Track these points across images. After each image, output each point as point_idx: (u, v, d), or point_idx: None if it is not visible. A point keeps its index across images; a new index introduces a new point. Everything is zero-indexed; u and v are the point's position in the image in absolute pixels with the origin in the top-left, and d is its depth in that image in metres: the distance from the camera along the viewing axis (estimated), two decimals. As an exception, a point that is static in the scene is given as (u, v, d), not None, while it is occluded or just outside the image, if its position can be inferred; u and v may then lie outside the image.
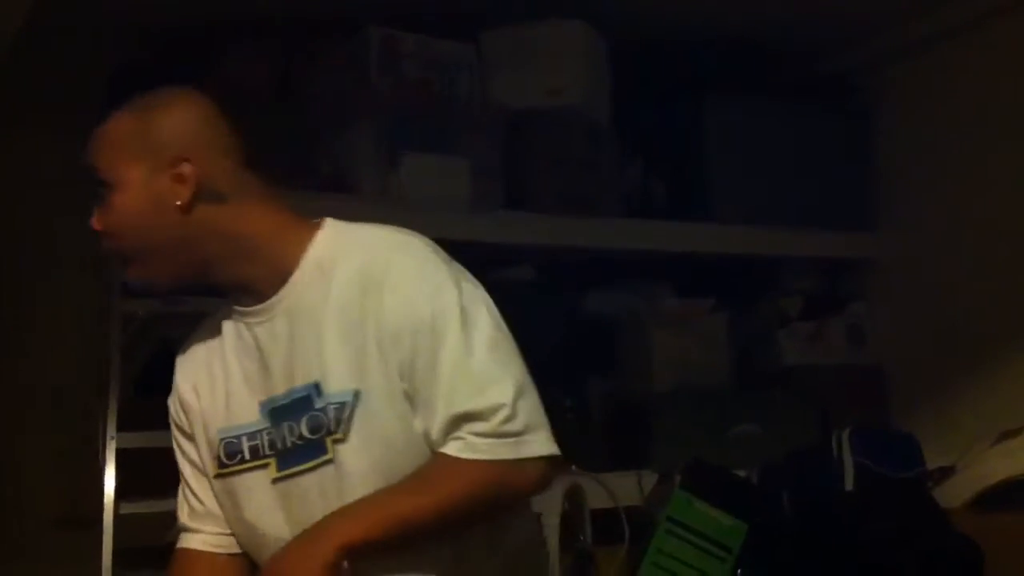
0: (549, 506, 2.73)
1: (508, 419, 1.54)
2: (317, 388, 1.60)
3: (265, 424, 1.66)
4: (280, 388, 1.64)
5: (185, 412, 1.77)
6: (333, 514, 1.56)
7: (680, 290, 3.70)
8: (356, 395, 1.58)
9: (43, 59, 2.95)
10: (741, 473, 3.10)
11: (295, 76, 3.28)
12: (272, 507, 1.65)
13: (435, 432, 1.57)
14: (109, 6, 2.92)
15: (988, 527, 2.85)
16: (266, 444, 1.66)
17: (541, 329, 3.19)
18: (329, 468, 1.59)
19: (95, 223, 1.68)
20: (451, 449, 1.56)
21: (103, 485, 2.64)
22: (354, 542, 1.51)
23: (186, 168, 1.62)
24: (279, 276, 1.66)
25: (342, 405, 1.58)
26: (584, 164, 3.43)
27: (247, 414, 1.68)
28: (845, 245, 3.80)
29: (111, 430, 2.68)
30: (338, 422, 1.58)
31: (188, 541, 1.79)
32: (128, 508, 2.65)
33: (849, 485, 2.91)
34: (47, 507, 2.98)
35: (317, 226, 1.70)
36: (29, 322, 3.10)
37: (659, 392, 3.42)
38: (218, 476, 1.71)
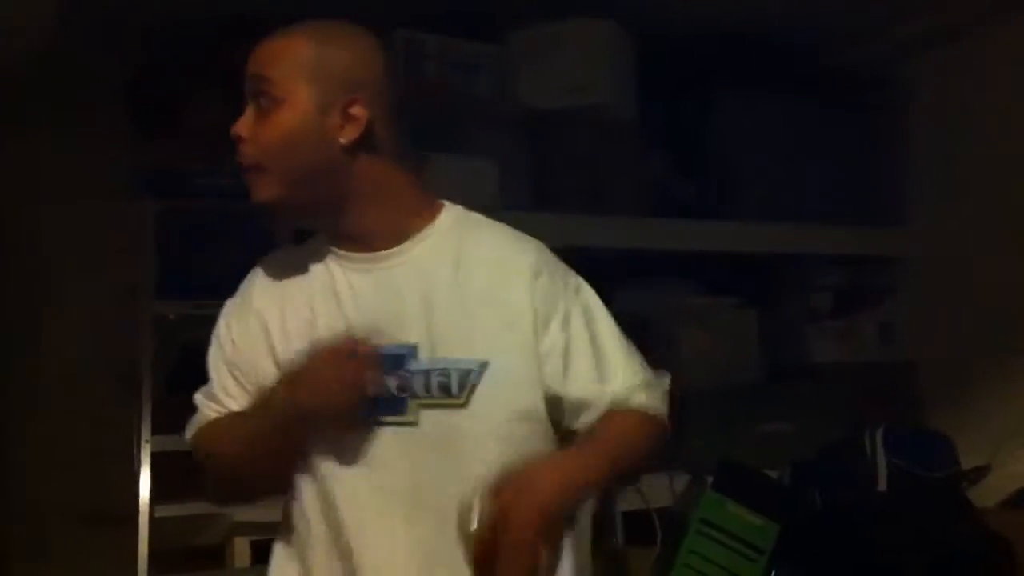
0: (580, 507, 2.73)
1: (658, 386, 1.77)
2: (414, 351, 1.62)
3: None
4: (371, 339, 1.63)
5: (259, 324, 1.73)
6: (576, 452, 1.62)
7: (707, 287, 3.69)
8: (482, 366, 1.62)
9: (65, 61, 2.96)
10: (773, 473, 3.08)
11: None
12: (336, 448, 1.64)
13: (616, 394, 1.69)
14: (133, 7, 2.93)
15: (1022, 526, 2.83)
16: None
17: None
18: (409, 430, 1.62)
19: (243, 130, 1.68)
20: (642, 406, 1.71)
21: (137, 488, 2.65)
22: (597, 482, 1.60)
23: (358, 109, 1.65)
24: (400, 234, 1.70)
25: (455, 373, 1.62)
26: (610, 163, 3.42)
27: None
28: (875, 241, 3.78)
29: (145, 433, 2.69)
30: (443, 388, 1.61)
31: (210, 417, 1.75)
32: (163, 511, 2.66)
33: (882, 485, 2.90)
34: (78, 506, 3.00)
35: (442, 204, 1.78)
36: (60, 321, 3.12)
37: (688, 391, 3.40)
38: None
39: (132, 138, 3.12)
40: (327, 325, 1.68)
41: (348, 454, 1.63)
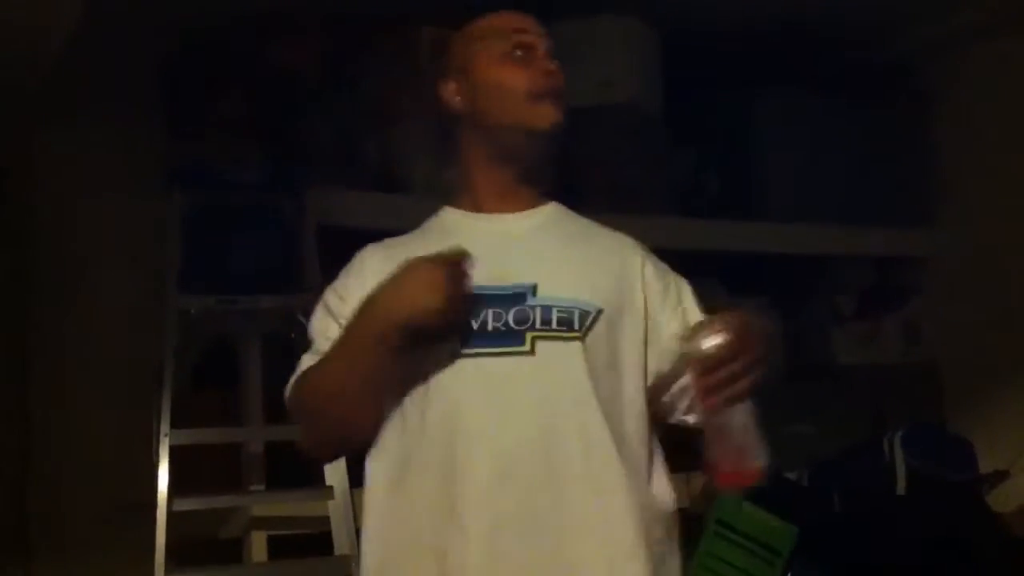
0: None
1: None
2: (533, 288, 1.74)
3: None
4: (484, 279, 1.72)
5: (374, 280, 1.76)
6: None
7: (731, 287, 3.67)
8: (600, 310, 1.75)
9: (96, 53, 2.98)
10: (792, 475, 3.07)
11: (346, 69, 3.29)
12: (450, 373, 1.70)
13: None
14: (164, 4, 2.96)
15: (1043, 532, 2.82)
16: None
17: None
18: (527, 359, 1.70)
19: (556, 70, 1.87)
20: None
21: (156, 481, 2.67)
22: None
23: None
24: (529, 202, 1.88)
25: (575, 310, 1.73)
26: (636, 159, 3.41)
27: None
28: (902, 242, 3.76)
29: (164, 427, 2.71)
30: (563, 323, 1.72)
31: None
32: (181, 505, 2.67)
33: (901, 488, 2.89)
34: (107, 497, 3.02)
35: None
36: (87, 315, 3.14)
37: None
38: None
39: (163, 133, 3.14)
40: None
41: (462, 381, 1.70)
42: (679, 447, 3.11)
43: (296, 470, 2.92)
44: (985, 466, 3.00)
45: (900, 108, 3.77)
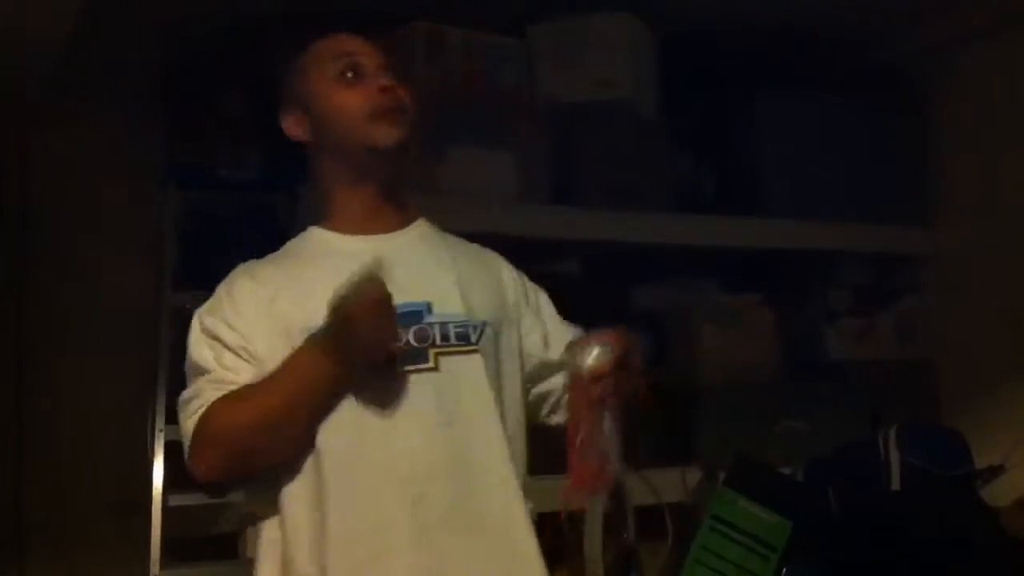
0: (592, 502, 2.73)
1: None
2: (429, 306, 1.84)
3: None
4: None
5: (247, 314, 1.85)
6: None
7: (727, 284, 3.68)
8: (485, 323, 1.87)
9: (98, 54, 2.98)
10: (787, 470, 3.08)
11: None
12: (368, 398, 1.78)
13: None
14: (162, 2, 2.96)
15: (1038, 527, 2.82)
16: None
17: (587, 324, 3.18)
18: (433, 375, 1.81)
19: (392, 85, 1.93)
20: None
21: (152, 477, 2.67)
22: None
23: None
24: (399, 222, 1.97)
25: (468, 325, 1.85)
26: (633, 158, 3.41)
27: None
28: (898, 240, 3.76)
29: (159, 422, 2.71)
30: (461, 337, 1.84)
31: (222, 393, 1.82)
32: (177, 500, 2.68)
33: (896, 483, 2.89)
34: (101, 493, 3.02)
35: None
36: (84, 310, 3.14)
37: (705, 387, 3.40)
38: None
39: (160, 132, 3.14)
40: (337, 282, 1.78)
41: (382, 401, 1.77)
42: (672, 442, 3.14)
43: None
44: (980, 461, 3.00)
45: (897, 108, 3.77)
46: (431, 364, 1.81)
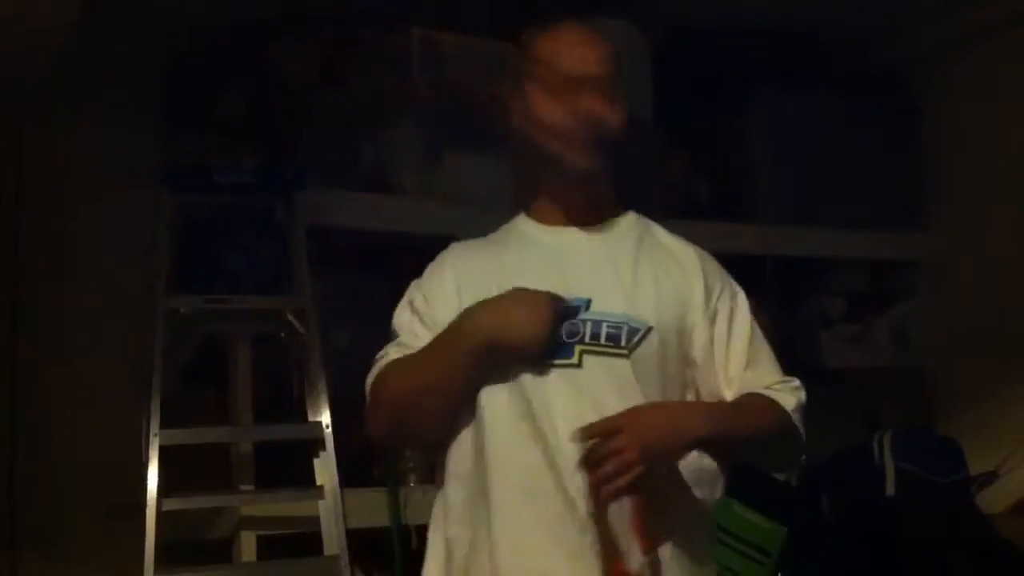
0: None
1: (803, 394, 1.91)
2: (587, 303, 1.81)
3: None
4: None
5: (452, 284, 1.90)
6: (690, 405, 1.82)
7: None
8: (650, 328, 1.81)
9: (94, 56, 2.98)
10: (782, 476, 3.07)
11: (340, 71, 3.29)
12: (507, 383, 1.78)
13: (756, 378, 1.88)
14: (159, 5, 2.96)
15: (1031, 533, 2.82)
16: None
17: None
18: (575, 372, 1.77)
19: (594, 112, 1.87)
20: (773, 394, 1.85)
21: (146, 482, 2.67)
22: (702, 437, 1.73)
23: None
24: (599, 216, 1.94)
25: (624, 327, 1.79)
26: (627, 162, 3.40)
27: None
28: (892, 246, 3.76)
29: (154, 427, 2.70)
30: (611, 338, 1.78)
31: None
32: (171, 504, 2.67)
33: (890, 490, 2.89)
34: (96, 497, 3.02)
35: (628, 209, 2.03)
36: (80, 314, 3.13)
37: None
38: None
39: (156, 133, 3.14)
40: (515, 271, 1.85)
41: (519, 389, 1.77)
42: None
43: (285, 470, 2.93)
44: (974, 468, 3.00)
45: (893, 112, 3.78)
46: (575, 360, 1.78)
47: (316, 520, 2.80)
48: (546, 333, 1.74)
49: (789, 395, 1.87)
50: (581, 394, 1.76)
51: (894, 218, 3.73)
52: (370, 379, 1.90)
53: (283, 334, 2.93)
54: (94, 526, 2.97)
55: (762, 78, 3.55)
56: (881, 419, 3.34)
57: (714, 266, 1.97)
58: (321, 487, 2.79)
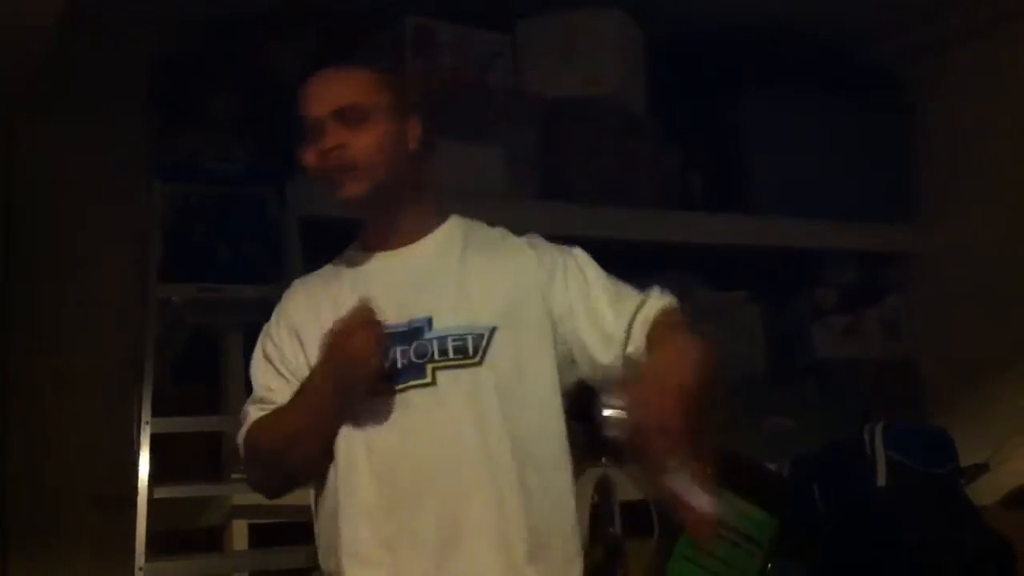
0: (579, 497, 2.73)
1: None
2: (429, 322, 1.84)
3: None
4: (391, 318, 1.82)
5: (295, 333, 1.92)
6: (672, 350, 1.72)
7: (713, 281, 3.69)
8: (494, 328, 1.84)
9: (84, 48, 2.98)
10: (773, 467, 3.08)
11: (331, 61, 3.28)
12: (369, 414, 1.82)
13: (632, 314, 1.87)
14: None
15: (1021, 524, 2.83)
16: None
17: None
18: (430, 390, 1.81)
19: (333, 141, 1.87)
20: (661, 305, 1.89)
21: (137, 470, 2.67)
22: (708, 364, 1.66)
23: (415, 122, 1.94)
24: (425, 229, 1.95)
25: (468, 336, 1.82)
26: (621, 154, 3.42)
27: None
28: (884, 238, 3.77)
29: (145, 415, 2.70)
30: (459, 351, 1.81)
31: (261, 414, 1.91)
32: (162, 492, 2.67)
33: (881, 480, 2.89)
34: (86, 487, 3.02)
35: (451, 214, 2.02)
36: (72, 305, 3.13)
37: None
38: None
39: (147, 125, 3.14)
40: (350, 304, 1.84)
41: (379, 417, 1.81)
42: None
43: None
44: (965, 459, 3.01)
45: (884, 106, 3.78)
46: (428, 379, 1.82)
47: (308, 509, 2.79)
48: (381, 355, 1.77)
49: (663, 301, 1.90)
50: (437, 410, 1.80)
51: (885, 211, 3.73)
52: (240, 439, 1.94)
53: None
54: (85, 516, 2.97)
55: (755, 72, 3.55)
56: (872, 410, 3.34)
57: (544, 244, 1.99)
58: (313, 476, 2.79)
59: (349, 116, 1.88)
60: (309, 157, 1.90)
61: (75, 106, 3.12)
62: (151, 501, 2.64)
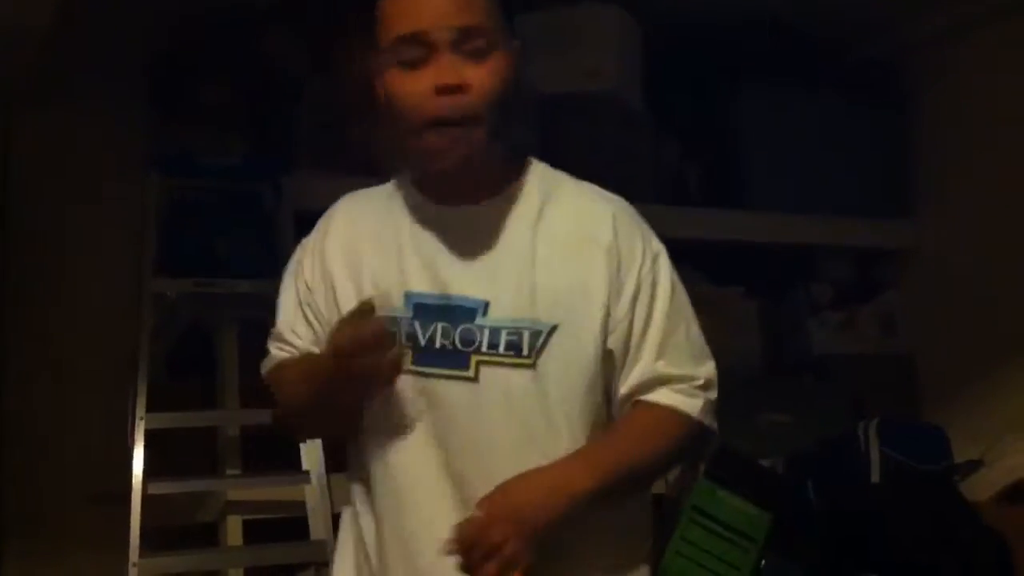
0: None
1: (714, 388, 1.67)
2: (485, 306, 1.60)
3: (407, 314, 1.62)
4: (429, 286, 1.62)
5: (344, 260, 1.69)
6: (568, 460, 1.55)
7: (711, 276, 3.68)
8: (554, 327, 1.59)
9: (82, 41, 2.97)
10: (767, 463, 3.08)
11: (330, 58, 3.29)
12: (405, 399, 1.62)
13: (641, 381, 1.63)
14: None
15: (1016, 521, 2.83)
16: (404, 335, 1.61)
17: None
18: (468, 386, 1.58)
19: (456, 79, 1.56)
20: (677, 402, 1.63)
21: (131, 466, 2.67)
22: (589, 492, 1.52)
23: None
24: (492, 190, 1.67)
25: (527, 333, 1.58)
26: (619, 149, 3.41)
27: (391, 299, 1.63)
28: (880, 234, 3.77)
29: (140, 410, 2.70)
30: (511, 347, 1.57)
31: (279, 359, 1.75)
32: (157, 488, 2.67)
33: (875, 477, 2.90)
34: (82, 483, 3.02)
35: (530, 160, 1.75)
36: (67, 300, 3.13)
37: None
38: None
39: (144, 119, 3.13)
40: (406, 269, 1.65)
41: (402, 405, 1.61)
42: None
43: (272, 455, 2.93)
44: (959, 456, 3.01)
45: (880, 103, 3.78)
46: (470, 373, 1.58)
47: (302, 505, 2.81)
48: (392, 367, 1.52)
49: (693, 398, 1.65)
50: (474, 414, 1.57)
51: (881, 207, 3.73)
52: (264, 370, 1.77)
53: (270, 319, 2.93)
54: (79, 511, 2.97)
55: (752, 68, 3.55)
56: (867, 406, 3.34)
57: (631, 225, 1.71)
58: (307, 472, 2.79)
59: (472, 43, 1.57)
60: (424, 88, 1.54)
61: (72, 100, 3.11)
62: (145, 497, 2.64)
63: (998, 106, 3.46)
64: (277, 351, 1.74)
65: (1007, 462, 2.95)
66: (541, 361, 1.58)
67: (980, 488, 2.94)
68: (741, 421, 3.26)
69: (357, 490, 1.70)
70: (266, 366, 1.77)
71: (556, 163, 3.29)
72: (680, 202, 3.52)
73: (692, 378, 1.66)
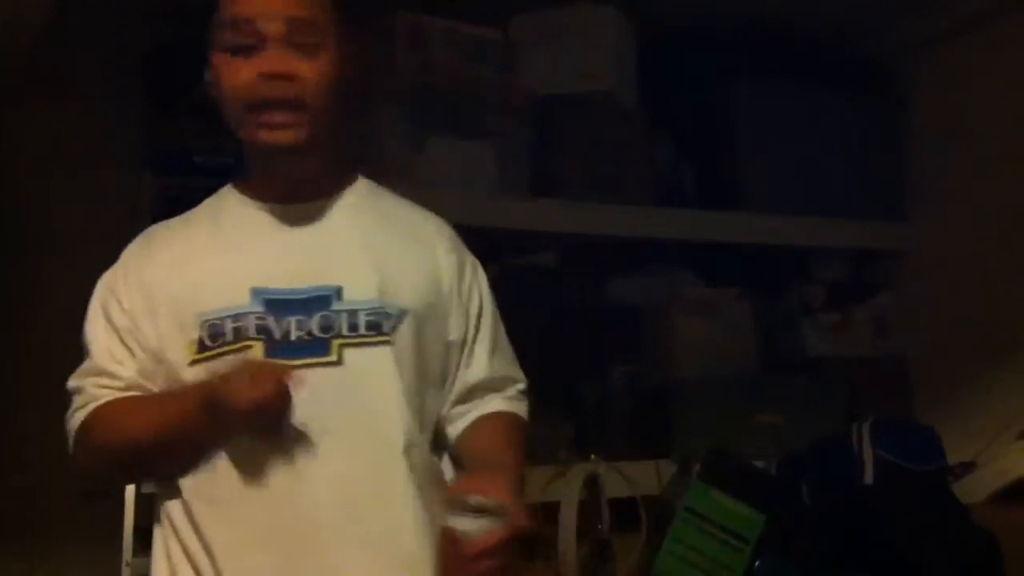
0: (567, 494, 2.74)
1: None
2: (339, 292, 1.64)
3: (257, 309, 1.64)
4: (283, 282, 1.65)
5: (141, 292, 1.72)
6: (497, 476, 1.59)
7: (704, 277, 3.69)
8: (405, 311, 1.67)
9: (75, 37, 2.97)
10: (760, 464, 3.09)
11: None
12: None
13: (481, 380, 1.78)
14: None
15: (1009, 523, 2.83)
16: (253, 328, 1.63)
17: (564, 316, 3.19)
18: (334, 371, 1.61)
19: (284, 68, 1.61)
20: (516, 409, 1.82)
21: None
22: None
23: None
24: (335, 185, 1.75)
25: (382, 312, 1.64)
26: (614, 150, 3.41)
27: (234, 297, 1.65)
28: (874, 235, 3.77)
29: (135, 407, 2.69)
30: (372, 327, 1.63)
31: (104, 398, 1.73)
32: (150, 487, 2.65)
33: (868, 478, 2.90)
34: (72, 481, 3.00)
35: (358, 171, 1.84)
36: (58, 297, 3.11)
37: (682, 380, 3.41)
38: (198, 361, 1.66)
39: (139, 116, 3.12)
40: (246, 268, 1.68)
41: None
42: (647, 435, 3.14)
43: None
44: (953, 457, 3.01)
45: (877, 103, 3.78)
46: (333, 358, 1.61)
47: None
48: (279, 411, 1.54)
49: (522, 403, 1.84)
50: (341, 396, 1.60)
51: (876, 207, 3.73)
52: (74, 421, 1.73)
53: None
54: (71, 510, 2.96)
55: (747, 67, 3.55)
56: (860, 407, 3.35)
57: (455, 237, 1.82)
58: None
59: (303, 36, 1.63)
60: (250, 75, 1.60)
61: (65, 96, 3.10)
62: (139, 495, 2.62)
63: (995, 106, 3.46)
64: (98, 389, 1.73)
65: (1000, 464, 2.96)
66: (396, 340, 1.65)
67: (973, 490, 2.95)
68: (734, 422, 3.26)
69: (173, 506, 1.72)
70: (81, 407, 1.74)
71: (552, 165, 3.31)
72: (674, 203, 3.52)
73: (516, 380, 1.85)
